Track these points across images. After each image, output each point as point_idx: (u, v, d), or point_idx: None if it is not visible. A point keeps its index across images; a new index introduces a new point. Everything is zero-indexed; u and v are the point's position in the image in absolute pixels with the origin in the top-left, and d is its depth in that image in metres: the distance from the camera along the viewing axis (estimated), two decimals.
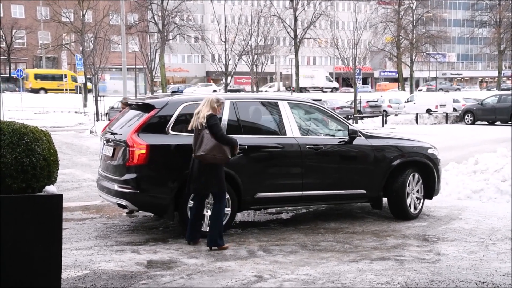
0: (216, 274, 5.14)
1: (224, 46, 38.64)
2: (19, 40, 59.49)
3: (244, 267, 5.39)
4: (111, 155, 6.72)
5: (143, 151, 6.28)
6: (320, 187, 7.18)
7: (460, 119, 31.00)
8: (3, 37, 56.71)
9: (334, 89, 64.93)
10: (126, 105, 7.66)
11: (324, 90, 64.06)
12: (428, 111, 34.46)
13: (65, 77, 49.31)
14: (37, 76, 49.29)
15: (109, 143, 6.86)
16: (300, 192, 7.03)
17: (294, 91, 54.57)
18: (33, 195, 4.29)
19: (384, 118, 31.15)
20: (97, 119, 28.72)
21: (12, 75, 53.37)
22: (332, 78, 70.79)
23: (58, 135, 20.09)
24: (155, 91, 43.97)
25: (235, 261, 5.59)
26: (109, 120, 26.42)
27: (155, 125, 6.55)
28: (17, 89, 49.25)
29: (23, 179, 4.21)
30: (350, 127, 7.48)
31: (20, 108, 35.71)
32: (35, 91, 47.30)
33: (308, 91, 62.21)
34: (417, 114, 31.98)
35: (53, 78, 50.47)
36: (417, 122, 31.12)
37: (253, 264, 5.48)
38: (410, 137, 8.91)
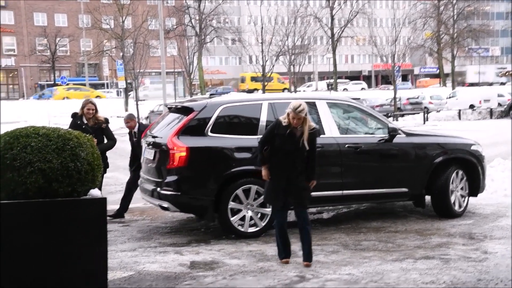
0: (258, 274, 5.15)
1: (261, 47, 38.70)
2: (62, 48, 61.21)
3: (286, 267, 5.38)
4: (152, 158, 6.83)
5: (183, 154, 6.37)
6: (361, 186, 7.11)
7: (505, 114, 30.10)
8: (48, 46, 58.49)
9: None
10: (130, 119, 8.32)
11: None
12: (471, 106, 33.62)
13: (272, 79, 51.72)
14: (252, 79, 55.90)
15: (150, 146, 6.98)
16: (341, 192, 6.98)
17: (332, 89, 54.15)
18: (79, 199, 4.41)
19: (426, 115, 30.58)
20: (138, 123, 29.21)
21: (56, 82, 55.05)
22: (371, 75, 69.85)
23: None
24: (194, 93, 44.47)
25: (277, 261, 5.59)
26: (149, 123, 26.82)
27: (195, 128, 6.63)
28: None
29: (69, 183, 4.33)
30: (390, 125, 7.38)
31: (65, 114, 36.71)
32: (251, 91, 49.93)
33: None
34: (459, 110, 31.26)
35: (261, 80, 53.87)
36: (459, 118, 30.42)
37: (296, 264, 5.47)
38: (453, 134, 8.71)
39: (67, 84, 44.08)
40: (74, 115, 7.86)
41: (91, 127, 7.58)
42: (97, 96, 45.16)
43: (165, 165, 6.50)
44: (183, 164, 6.38)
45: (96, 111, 7.77)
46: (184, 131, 6.55)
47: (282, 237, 5.49)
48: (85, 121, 7.67)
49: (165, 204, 6.53)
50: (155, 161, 6.74)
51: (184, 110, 6.94)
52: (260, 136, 6.74)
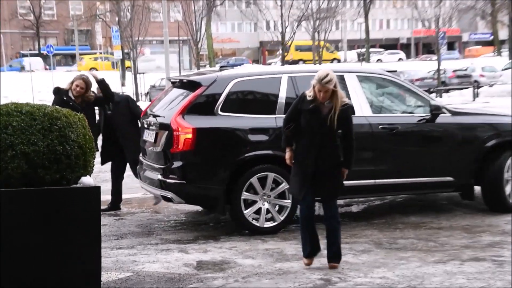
0: (276, 277, 5.18)
1: (280, 10, 38.50)
2: (48, 11, 61.53)
3: (309, 268, 5.40)
4: (153, 140, 6.87)
5: (189, 136, 6.39)
6: (397, 175, 7.08)
7: None
8: (31, 8, 58.69)
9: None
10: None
11: None
12: None
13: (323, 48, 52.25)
14: (297, 48, 55.84)
15: (150, 127, 7.01)
16: (373, 181, 6.97)
17: (364, 60, 53.80)
18: (69, 188, 4.45)
19: (475, 90, 30.25)
20: (137, 100, 29.42)
21: (41, 51, 55.32)
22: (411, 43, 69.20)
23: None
24: (202, 65, 44.53)
25: (298, 261, 5.61)
26: (150, 100, 27.00)
27: (202, 106, 6.64)
28: (47, 67, 51.02)
29: (57, 170, 4.37)
30: (432, 102, 7.32)
31: (51, 88, 36.99)
32: (295, 62, 50.16)
33: None
34: None
35: (309, 49, 53.86)
36: None
37: (319, 265, 5.49)
38: (508, 113, 8.60)
39: (54, 55, 44.38)
40: (57, 90, 7.71)
41: (80, 104, 7.51)
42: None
43: (168, 149, 6.53)
44: (189, 148, 6.40)
45: (87, 90, 7.64)
46: (190, 109, 6.56)
47: (307, 230, 5.39)
48: (73, 97, 7.60)
49: (168, 195, 6.58)
50: (157, 144, 6.77)
51: (190, 85, 6.94)
52: (279, 116, 6.78)
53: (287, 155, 5.44)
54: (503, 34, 61.92)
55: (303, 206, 5.39)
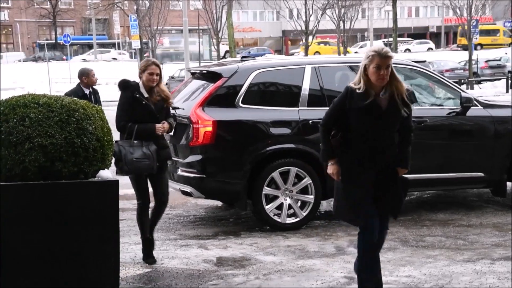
0: (298, 274, 5.21)
1: None
2: (65, 0, 61.95)
3: (332, 266, 5.42)
4: (173, 133, 6.91)
5: (210, 129, 6.43)
6: (425, 170, 7.05)
7: None
8: None
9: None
10: None
11: None
12: None
13: (498, 32, 52.27)
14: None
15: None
16: None
17: (391, 50, 53.31)
18: (86, 181, 4.51)
19: (509, 81, 29.82)
20: None
21: (58, 41, 55.84)
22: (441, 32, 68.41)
23: (111, 110, 20.86)
24: (223, 56, 44.55)
25: (321, 259, 5.64)
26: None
27: (223, 97, 6.67)
28: (64, 57, 51.53)
29: (75, 163, 4.42)
30: (463, 94, 7.27)
31: (68, 79, 37.35)
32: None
33: None
34: None
35: (487, 33, 53.80)
36: None
37: (342, 263, 5.50)
38: None
39: (71, 44, 44.84)
40: (126, 84, 5.65)
41: (156, 105, 5.61)
42: (356, 52, 48.19)
43: (188, 142, 6.58)
44: (209, 141, 6.45)
45: (161, 78, 5.72)
46: (211, 101, 6.60)
47: (376, 261, 4.54)
48: (146, 94, 5.59)
49: (188, 189, 6.63)
50: (176, 137, 6.83)
51: (210, 76, 6.97)
52: (302, 108, 6.79)
53: (333, 169, 4.44)
54: None
55: (369, 231, 4.39)
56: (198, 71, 7.47)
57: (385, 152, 4.37)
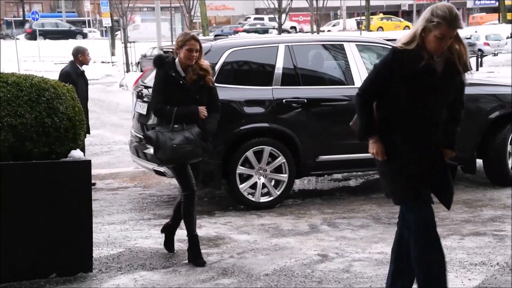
0: (272, 253, 5.24)
1: None
2: None
3: (305, 244, 5.46)
4: (145, 113, 6.86)
5: None
6: None
7: None
8: None
9: None
10: None
11: None
12: None
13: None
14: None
15: (142, 99, 7.00)
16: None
17: (364, 29, 53.45)
18: (58, 161, 4.47)
19: (479, 59, 30.10)
20: (127, 70, 29.23)
21: (26, 18, 54.74)
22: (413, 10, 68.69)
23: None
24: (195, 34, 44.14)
25: (294, 237, 5.68)
26: (141, 71, 26.87)
27: None
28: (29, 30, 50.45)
29: (45, 143, 4.38)
30: None
31: (37, 58, 36.74)
32: None
33: None
34: None
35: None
36: None
37: (316, 241, 5.55)
38: None
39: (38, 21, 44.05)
40: (161, 61, 5.00)
41: (194, 86, 4.95)
42: (405, 27, 47.87)
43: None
44: None
45: (201, 54, 5.00)
46: None
47: (403, 256, 3.83)
48: (182, 73, 4.94)
49: (161, 169, 6.59)
50: (149, 116, 6.76)
51: None
52: (275, 87, 6.78)
53: (376, 147, 3.70)
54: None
55: (423, 211, 3.68)
56: (171, 50, 7.39)
57: (438, 127, 3.70)
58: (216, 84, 6.50)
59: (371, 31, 53.92)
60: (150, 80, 7.08)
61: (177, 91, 4.84)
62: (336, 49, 7.22)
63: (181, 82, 4.87)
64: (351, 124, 3.95)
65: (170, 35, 41.06)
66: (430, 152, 3.70)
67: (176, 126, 4.82)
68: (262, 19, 57.10)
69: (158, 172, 6.72)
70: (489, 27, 51.69)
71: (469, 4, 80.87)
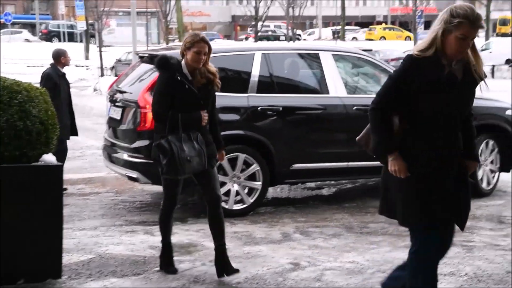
0: (244, 261, 5.23)
1: None
2: None
3: (278, 252, 5.46)
4: (119, 118, 6.82)
5: None
6: (370, 157, 7.11)
7: None
8: None
9: None
10: None
11: None
12: (508, 61, 33.61)
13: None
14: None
15: (117, 104, 6.95)
16: (346, 163, 7.04)
17: (339, 38, 53.91)
18: (29, 165, 4.41)
19: None
20: (102, 74, 29.01)
21: None
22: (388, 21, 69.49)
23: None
24: (171, 39, 44.11)
25: (267, 245, 5.67)
26: (116, 75, 26.70)
27: None
28: None
29: (17, 146, 4.33)
30: None
31: (10, 60, 36.28)
32: None
33: None
34: (493, 65, 31.21)
35: None
36: (493, 76, 30.40)
37: (288, 249, 5.55)
38: (484, 96, 8.74)
39: (12, 23, 43.45)
40: (167, 63, 4.62)
41: (200, 90, 4.64)
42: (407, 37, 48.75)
43: (135, 126, 6.49)
44: None
45: (209, 57, 4.70)
46: None
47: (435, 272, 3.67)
48: (189, 76, 4.62)
49: (134, 174, 6.56)
50: (123, 121, 6.74)
51: None
52: (251, 95, 6.79)
53: (398, 164, 3.46)
54: (481, 13, 62.46)
55: (432, 238, 3.53)
56: (147, 55, 7.37)
57: (459, 139, 3.49)
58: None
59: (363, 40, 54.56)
60: (125, 84, 7.06)
61: (182, 95, 4.52)
62: (312, 58, 7.27)
63: (187, 86, 4.53)
64: (358, 139, 3.75)
65: (145, 40, 40.91)
66: (455, 167, 3.48)
67: (183, 134, 4.51)
68: (268, 26, 57.52)
69: (131, 178, 6.68)
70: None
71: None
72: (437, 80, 3.34)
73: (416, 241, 3.57)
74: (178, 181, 4.80)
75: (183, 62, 4.62)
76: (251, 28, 56.91)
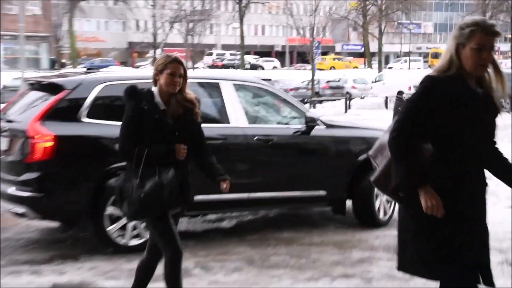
0: None
1: (152, 10, 38.18)
2: None
3: None
4: (6, 148, 6.50)
5: (50, 144, 6.11)
6: (271, 188, 7.21)
7: None
8: None
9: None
10: None
11: None
12: (400, 93, 35.35)
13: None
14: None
15: (4, 133, 6.64)
16: (246, 194, 7.03)
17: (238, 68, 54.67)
18: None
19: (348, 101, 31.67)
20: None
21: None
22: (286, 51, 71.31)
23: None
24: (66, 64, 43.04)
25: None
26: (2, 103, 25.61)
27: (65, 111, 6.38)
28: None
29: None
30: (308, 114, 7.52)
31: None
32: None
33: None
34: (386, 97, 32.69)
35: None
36: (386, 107, 31.84)
37: (189, 285, 5.42)
38: (380, 126, 9.07)
39: None
40: (134, 92, 4.11)
41: (177, 121, 4.17)
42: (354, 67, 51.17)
43: (23, 158, 6.20)
44: (49, 157, 6.11)
45: (185, 82, 4.18)
46: (51, 114, 6.27)
47: None
48: (162, 105, 4.12)
49: (21, 209, 6.23)
50: (10, 152, 6.42)
51: (51, 88, 6.64)
52: None
53: (435, 199, 3.07)
54: (373, 46, 65.78)
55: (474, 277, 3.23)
56: (37, 82, 7.09)
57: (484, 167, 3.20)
58: (86, 120, 6.36)
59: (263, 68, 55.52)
60: (12, 113, 6.75)
61: (151, 127, 4.03)
62: (212, 87, 7.25)
63: (156, 117, 4.04)
64: (373, 180, 3.43)
65: (35, 66, 39.63)
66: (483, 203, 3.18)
67: (146, 171, 3.98)
68: (234, 54, 59.16)
69: (18, 214, 6.35)
70: (356, 71, 54.91)
71: (338, 48, 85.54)
72: (464, 99, 3.06)
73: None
74: (164, 221, 4.15)
75: (156, 90, 4.13)
76: (217, 57, 57.85)
